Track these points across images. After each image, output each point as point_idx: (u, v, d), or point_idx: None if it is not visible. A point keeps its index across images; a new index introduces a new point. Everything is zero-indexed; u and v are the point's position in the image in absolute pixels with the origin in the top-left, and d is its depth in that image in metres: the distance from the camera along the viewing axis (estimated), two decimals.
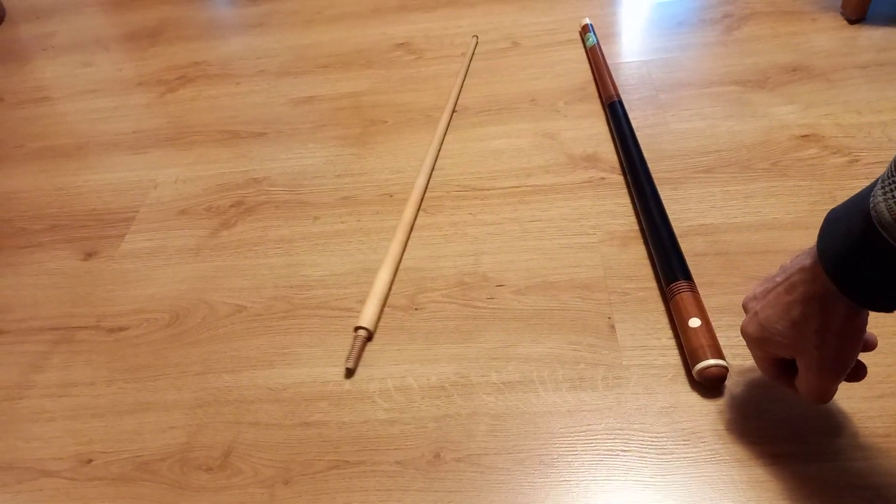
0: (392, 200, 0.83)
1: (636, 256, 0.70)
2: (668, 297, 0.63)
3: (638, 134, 0.85)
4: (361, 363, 0.65)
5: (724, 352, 0.58)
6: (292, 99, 1.07)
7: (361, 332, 0.66)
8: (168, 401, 0.64)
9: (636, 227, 0.73)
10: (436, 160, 0.88)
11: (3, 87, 1.25)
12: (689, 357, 0.58)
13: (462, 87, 1.02)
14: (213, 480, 0.57)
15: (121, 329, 0.73)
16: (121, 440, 0.62)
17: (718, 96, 0.91)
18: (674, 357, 0.60)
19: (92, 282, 0.79)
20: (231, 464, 0.58)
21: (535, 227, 0.76)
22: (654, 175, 0.77)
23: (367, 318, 0.67)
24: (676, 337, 0.61)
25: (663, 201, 0.73)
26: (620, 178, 0.80)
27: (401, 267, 0.74)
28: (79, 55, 1.33)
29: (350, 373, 0.64)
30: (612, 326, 0.64)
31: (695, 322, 0.58)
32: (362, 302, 0.70)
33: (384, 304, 0.70)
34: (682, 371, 0.59)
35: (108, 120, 1.10)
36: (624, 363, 0.60)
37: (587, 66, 1.02)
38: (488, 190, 0.82)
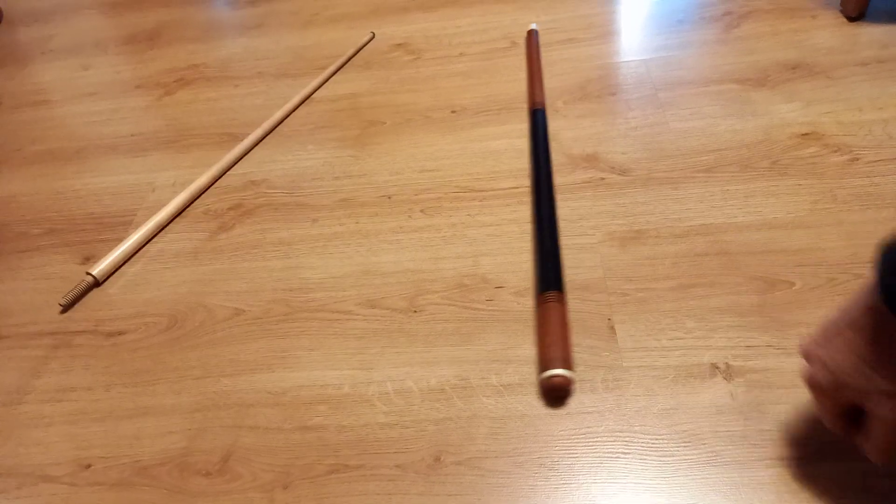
0: (390, 202, 0.83)
1: (636, 257, 0.70)
2: (538, 303, 0.65)
3: (637, 133, 0.85)
4: (361, 365, 0.64)
5: (717, 354, 0.58)
6: (291, 100, 1.06)
7: (88, 278, 0.74)
8: (167, 405, 0.64)
9: (636, 227, 0.73)
10: (233, 164, 0.92)
11: (1, 91, 1.25)
12: (539, 364, 0.60)
13: (322, 83, 1.04)
14: (212, 485, 0.57)
15: (119, 333, 0.72)
16: (120, 445, 0.62)
17: (718, 95, 0.90)
18: (674, 358, 0.60)
19: (90, 286, 0.79)
20: (230, 468, 0.58)
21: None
22: (653, 175, 0.77)
23: (99, 268, 0.77)
24: (677, 339, 0.61)
25: (659, 201, 0.73)
26: (620, 178, 0.80)
27: (400, 269, 0.73)
28: (77, 58, 1.33)
29: (64, 309, 0.72)
30: (612, 328, 0.63)
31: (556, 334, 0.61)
32: (361, 304, 0.70)
33: (125, 261, 0.80)
34: (682, 373, 0.59)
35: (107, 123, 1.10)
36: (624, 365, 0.60)
37: (587, 65, 1.02)
38: (487, 191, 0.82)
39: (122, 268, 0.80)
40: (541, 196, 0.76)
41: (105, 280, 0.77)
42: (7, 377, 0.70)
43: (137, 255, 0.82)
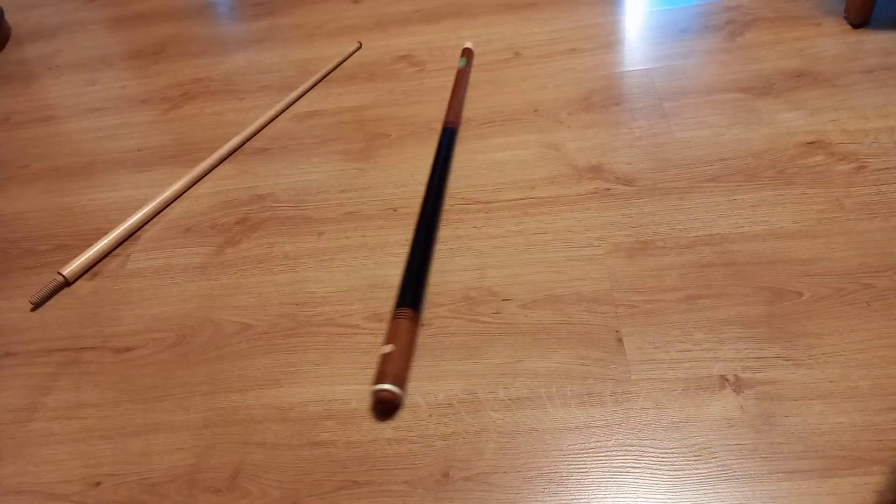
0: (396, 215, 0.83)
1: (643, 268, 0.70)
2: (392, 317, 0.67)
3: (642, 143, 0.85)
4: (368, 380, 0.64)
5: (725, 366, 0.58)
6: (296, 114, 1.07)
7: (58, 278, 0.77)
8: (175, 421, 0.64)
9: (642, 238, 0.73)
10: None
11: (9, 108, 1.26)
12: (375, 375, 0.62)
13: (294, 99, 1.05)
14: (221, 502, 0.57)
15: (127, 349, 0.73)
16: (129, 462, 0.62)
17: (723, 104, 0.90)
18: (683, 371, 0.60)
19: (98, 302, 0.79)
20: (239, 485, 0.58)
21: (541, 240, 0.75)
22: (658, 185, 0.77)
23: (69, 268, 0.80)
24: (685, 351, 0.61)
25: (665, 211, 0.73)
26: (626, 189, 0.80)
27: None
28: (83, 74, 1.34)
29: (34, 307, 0.76)
30: (620, 340, 0.63)
31: (387, 348, 0.63)
32: (368, 318, 0.70)
33: (94, 263, 0.83)
34: (691, 385, 0.58)
35: (113, 138, 1.10)
36: (632, 377, 0.60)
37: (590, 75, 1.02)
38: (493, 203, 0.82)
39: (130, 283, 0.81)
40: (424, 213, 0.78)
41: (76, 280, 0.80)
42: (16, 395, 0.70)
43: (145, 269, 0.82)
